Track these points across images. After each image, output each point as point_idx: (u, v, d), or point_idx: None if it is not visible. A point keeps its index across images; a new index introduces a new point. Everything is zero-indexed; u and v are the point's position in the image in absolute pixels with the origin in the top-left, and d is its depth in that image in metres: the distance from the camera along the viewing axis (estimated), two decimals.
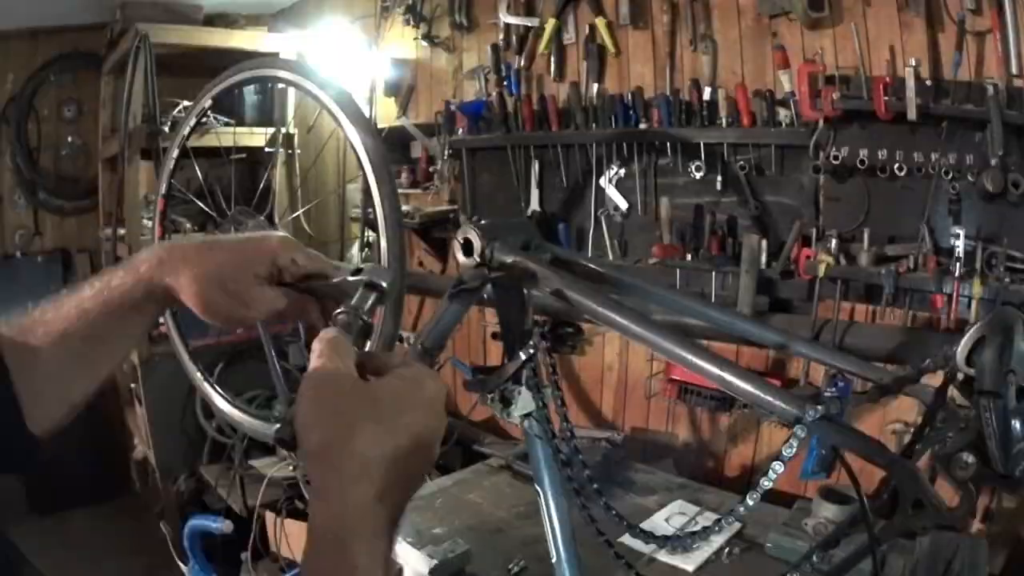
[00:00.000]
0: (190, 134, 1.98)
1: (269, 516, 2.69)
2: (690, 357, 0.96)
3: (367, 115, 2.25)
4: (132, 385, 3.52)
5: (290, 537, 2.58)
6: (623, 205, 2.50)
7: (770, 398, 0.88)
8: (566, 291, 1.07)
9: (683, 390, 2.34)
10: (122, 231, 3.36)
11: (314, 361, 0.61)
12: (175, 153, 1.98)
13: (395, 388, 0.60)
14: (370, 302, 0.73)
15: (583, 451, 1.20)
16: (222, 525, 2.42)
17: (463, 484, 2.22)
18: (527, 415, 1.09)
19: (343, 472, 0.55)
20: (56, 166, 4.19)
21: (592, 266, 1.37)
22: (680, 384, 2.34)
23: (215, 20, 3.62)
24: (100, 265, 3.99)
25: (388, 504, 0.56)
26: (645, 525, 1.37)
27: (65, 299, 0.78)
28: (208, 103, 1.88)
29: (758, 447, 2.32)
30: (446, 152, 2.94)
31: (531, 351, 1.06)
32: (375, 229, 1.58)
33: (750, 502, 0.91)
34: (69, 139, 4.19)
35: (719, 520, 0.99)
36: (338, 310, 0.73)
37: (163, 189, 2.04)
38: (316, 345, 0.63)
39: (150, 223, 2.70)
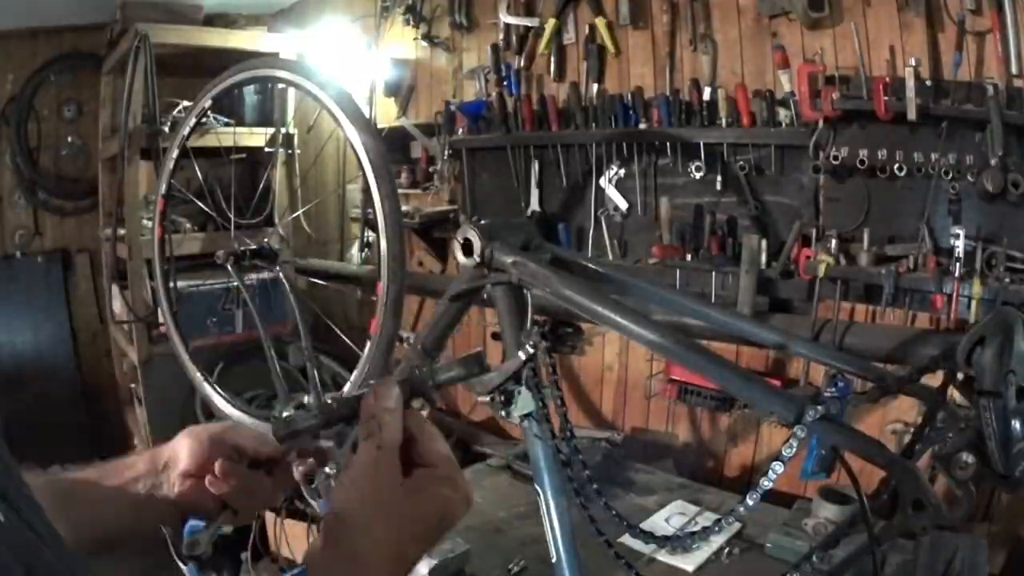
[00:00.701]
0: (190, 134, 1.98)
1: (269, 516, 2.68)
2: (690, 357, 0.96)
3: (367, 115, 2.25)
4: (132, 385, 3.52)
5: (290, 537, 2.58)
6: (623, 205, 2.50)
7: (770, 398, 0.88)
8: (566, 291, 1.07)
9: (683, 390, 2.34)
10: (122, 231, 3.35)
11: (365, 436, 0.62)
12: (175, 153, 1.98)
13: (438, 508, 0.63)
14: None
15: (583, 451, 1.20)
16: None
17: None
18: (527, 415, 1.09)
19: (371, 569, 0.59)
20: (56, 166, 4.18)
21: (592, 266, 1.37)
22: (680, 384, 2.34)
23: (215, 20, 3.62)
24: (100, 265, 3.99)
25: None
26: (645, 525, 1.37)
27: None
28: (208, 103, 1.89)
29: (758, 447, 2.32)
30: (446, 152, 2.94)
31: (531, 351, 1.06)
32: (375, 229, 1.59)
33: (750, 502, 0.91)
34: (69, 139, 4.18)
35: (719, 520, 0.99)
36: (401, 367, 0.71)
37: (163, 189, 2.05)
38: (371, 409, 0.63)
39: (150, 223, 2.70)
